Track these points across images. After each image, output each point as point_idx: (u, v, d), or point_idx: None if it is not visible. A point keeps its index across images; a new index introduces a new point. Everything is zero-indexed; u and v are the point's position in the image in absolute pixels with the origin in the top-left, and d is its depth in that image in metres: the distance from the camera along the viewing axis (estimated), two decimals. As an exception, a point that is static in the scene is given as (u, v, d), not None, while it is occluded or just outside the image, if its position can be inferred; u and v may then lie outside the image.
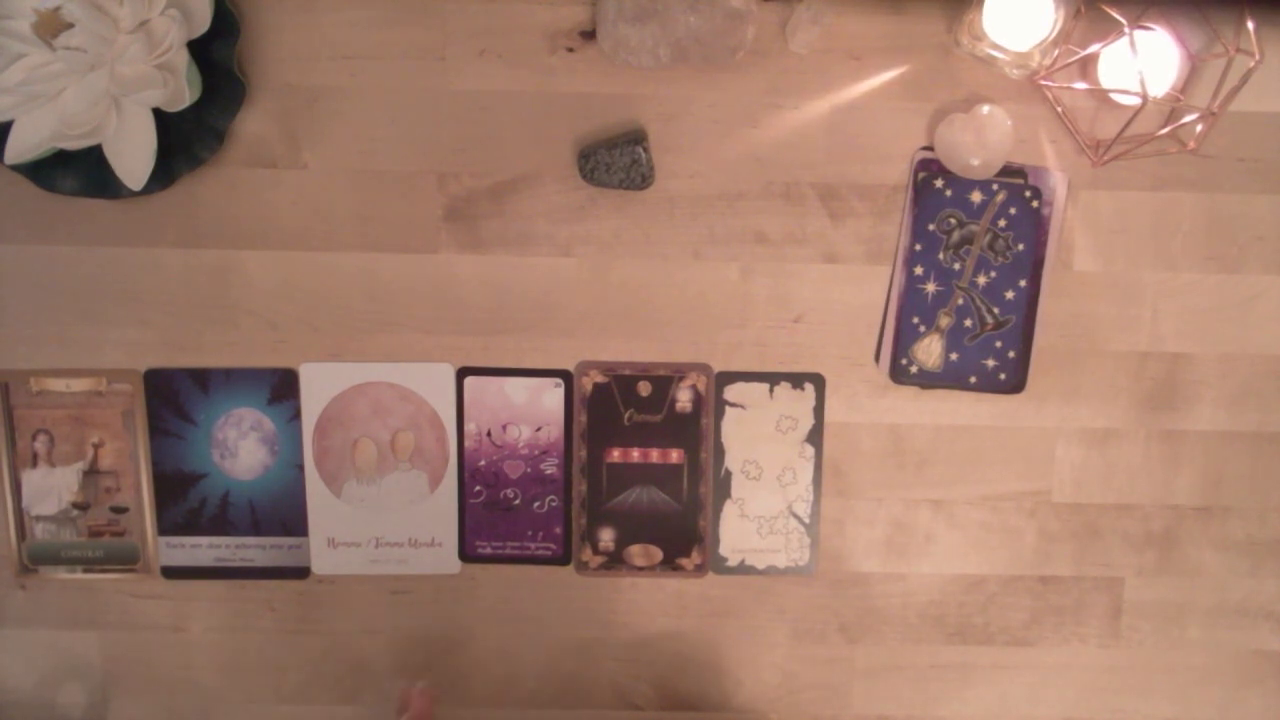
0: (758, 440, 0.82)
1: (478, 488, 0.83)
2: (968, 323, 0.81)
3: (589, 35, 0.77)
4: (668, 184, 0.80)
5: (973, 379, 0.82)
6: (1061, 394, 0.82)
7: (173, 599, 0.83)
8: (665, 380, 0.82)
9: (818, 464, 0.83)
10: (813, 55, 0.78)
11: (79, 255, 0.80)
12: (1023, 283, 0.81)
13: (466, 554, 0.83)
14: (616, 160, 0.77)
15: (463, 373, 0.81)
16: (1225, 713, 0.87)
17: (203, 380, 0.81)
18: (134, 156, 0.74)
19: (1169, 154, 0.79)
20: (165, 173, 0.76)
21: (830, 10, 0.76)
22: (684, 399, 0.82)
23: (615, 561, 0.84)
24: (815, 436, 0.83)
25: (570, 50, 0.78)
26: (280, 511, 0.83)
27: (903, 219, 0.80)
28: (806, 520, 0.83)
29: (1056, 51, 0.75)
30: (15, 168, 0.75)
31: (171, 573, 0.83)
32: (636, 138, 0.77)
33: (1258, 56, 0.74)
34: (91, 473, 0.82)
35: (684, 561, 0.84)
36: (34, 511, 0.82)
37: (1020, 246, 0.80)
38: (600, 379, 0.82)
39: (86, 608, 0.83)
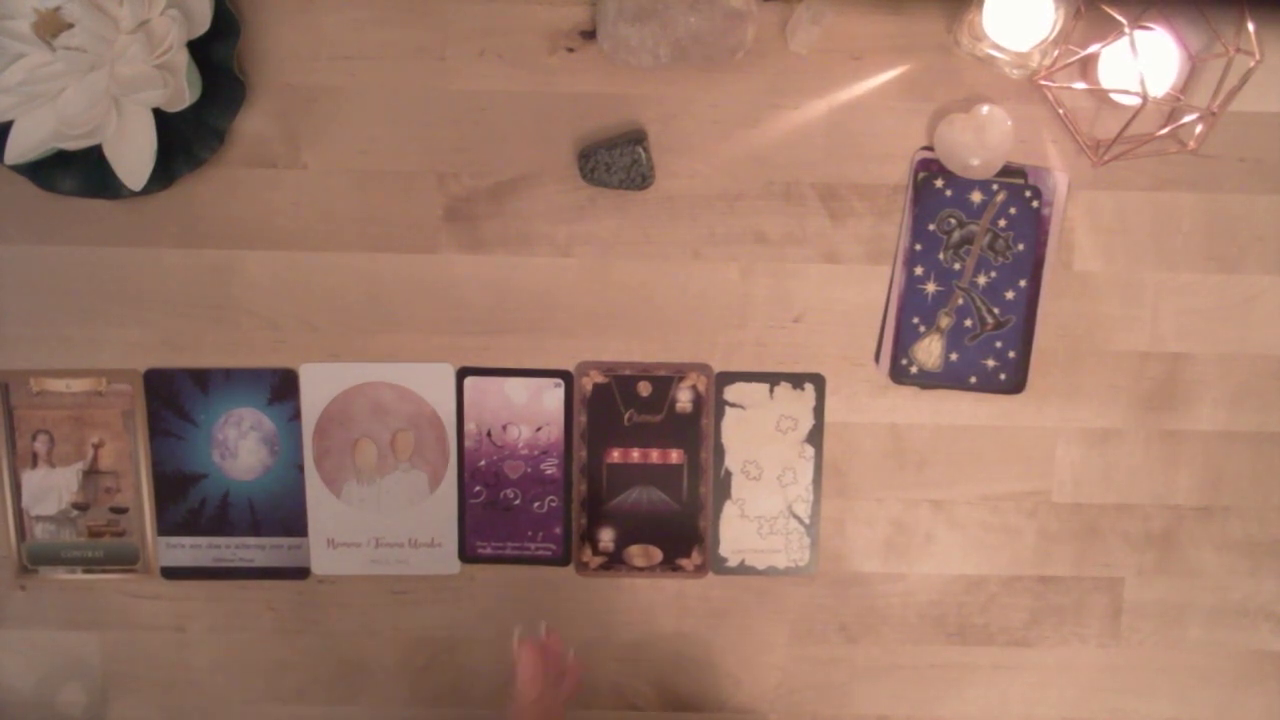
0: (758, 440, 0.82)
1: (478, 488, 0.83)
2: (968, 323, 0.81)
3: (589, 35, 0.77)
4: (668, 184, 0.80)
5: (973, 379, 0.82)
6: (1061, 394, 0.82)
7: (173, 599, 0.83)
8: (665, 380, 0.82)
9: (818, 464, 0.83)
10: (813, 55, 0.78)
11: (79, 255, 0.80)
12: (1023, 283, 0.81)
13: (466, 554, 0.83)
14: (616, 160, 0.77)
15: (463, 373, 0.81)
16: (1225, 713, 0.87)
17: (203, 380, 0.81)
18: (134, 156, 0.74)
19: (1169, 154, 0.79)
20: (165, 173, 0.76)
21: (830, 10, 0.76)
22: (684, 399, 0.82)
23: (615, 562, 0.84)
24: (815, 436, 0.83)
25: (570, 50, 0.78)
26: (280, 511, 0.83)
27: (903, 219, 0.80)
28: (806, 520, 0.83)
29: (1056, 51, 0.75)
30: (15, 168, 0.75)
31: (171, 573, 0.83)
32: (636, 138, 0.77)
33: (1258, 56, 0.74)
34: (91, 473, 0.82)
35: (684, 562, 0.84)
36: (34, 512, 0.82)
37: (1020, 246, 0.80)
38: (600, 379, 0.82)
39: (86, 608, 0.83)
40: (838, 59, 0.78)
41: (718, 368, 0.82)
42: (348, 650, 0.84)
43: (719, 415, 0.82)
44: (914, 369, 0.82)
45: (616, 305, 0.81)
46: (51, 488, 0.82)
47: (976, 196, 0.80)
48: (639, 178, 0.78)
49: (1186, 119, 0.76)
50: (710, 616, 0.84)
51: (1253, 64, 0.74)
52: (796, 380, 0.82)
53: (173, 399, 0.81)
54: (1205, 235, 0.81)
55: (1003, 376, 0.82)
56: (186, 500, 0.82)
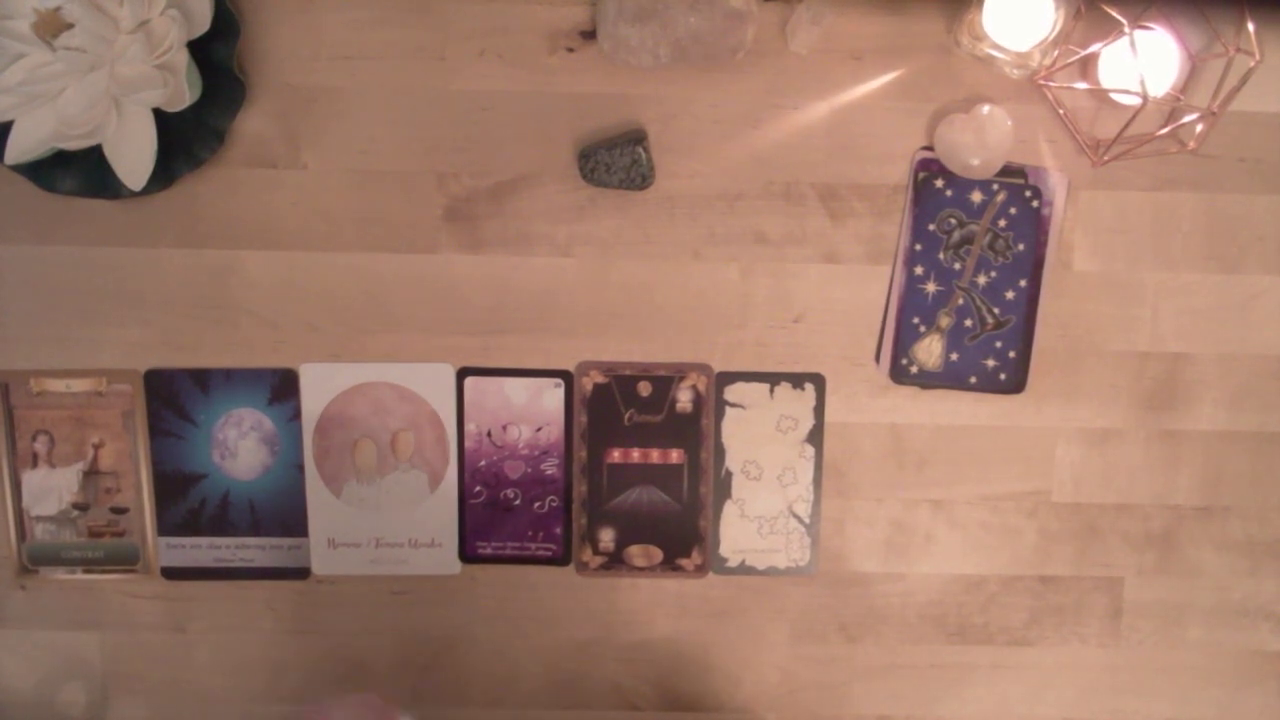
0: (758, 440, 0.82)
1: (478, 488, 0.83)
2: (968, 323, 0.81)
3: (589, 35, 0.77)
4: (668, 184, 0.80)
5: (973, 379, 0.82)
6: (1061, 394, 0.82)
7: (173, 599, 0.83)
8: (665, 380, 0.82)
9: (818, 464, 0.83)
10: (813, 55, 0.78)
11: (79, 255, 0.80)
12: (1023, 283, 0.81)
13: (466, 554, 0.83)
14: (616, 160, 0.77)
15: (463, 373, 0.81)
16: (1225, 713, 0.87)
17: (203, 380, 0.81)
18: (134, 156, 0.74)
19: (1169, 154, 0.79)
20: (165, 173, 0.76)
21: (830, 10, 0.76)
22: (684, 399, 0.82)
23: (615, 562, 0.84)
24: (815, 436, 0.83)
25: (570, 50, 0.78)
26: (280, 512, 0.83)
27: (903, 219, 0.80)
28: (807, 520, 0.83)
29: (1056, 51, 0.75)
30: (15, 168, 0.75)
31: (171, 573, 0.83)
32: (636, 138, 0.77)
33: (1258, 56, 0.74)
34: (91, 473, 0.82)
35: (684, 562, 0.84)
36: (34, 512, 0.82)
37: (1020, 246, 0.80)
38: (600, 379, 0.82)
39: (86, 608, 0.83)
40: (838, 59, 0.78)
41: (718, 368, 0.82)
42: (348, 650, 0.84)
43: (719, 415, 0.82)
44: (914, 369, 0.82)
45: (616, 305, 0.81)
46: (51, 488, 0.82)
47: (976, 196, 0.80)
48: (639, 178, 0.78)
49: (1186, 119, 0.76)
50: (710, 616, 0.84)
51: (1253, 64, 0.74)
52: (796, 380, 0.82)
53: (173, 399, 0.81)
54: (1205, 235, 0.81)
55: (1003, 376, 0.82)
56: (187, 500, 0.82)
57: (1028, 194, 0.80)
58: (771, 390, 0.82)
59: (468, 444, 0.82)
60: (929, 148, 0.79)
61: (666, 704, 0.85)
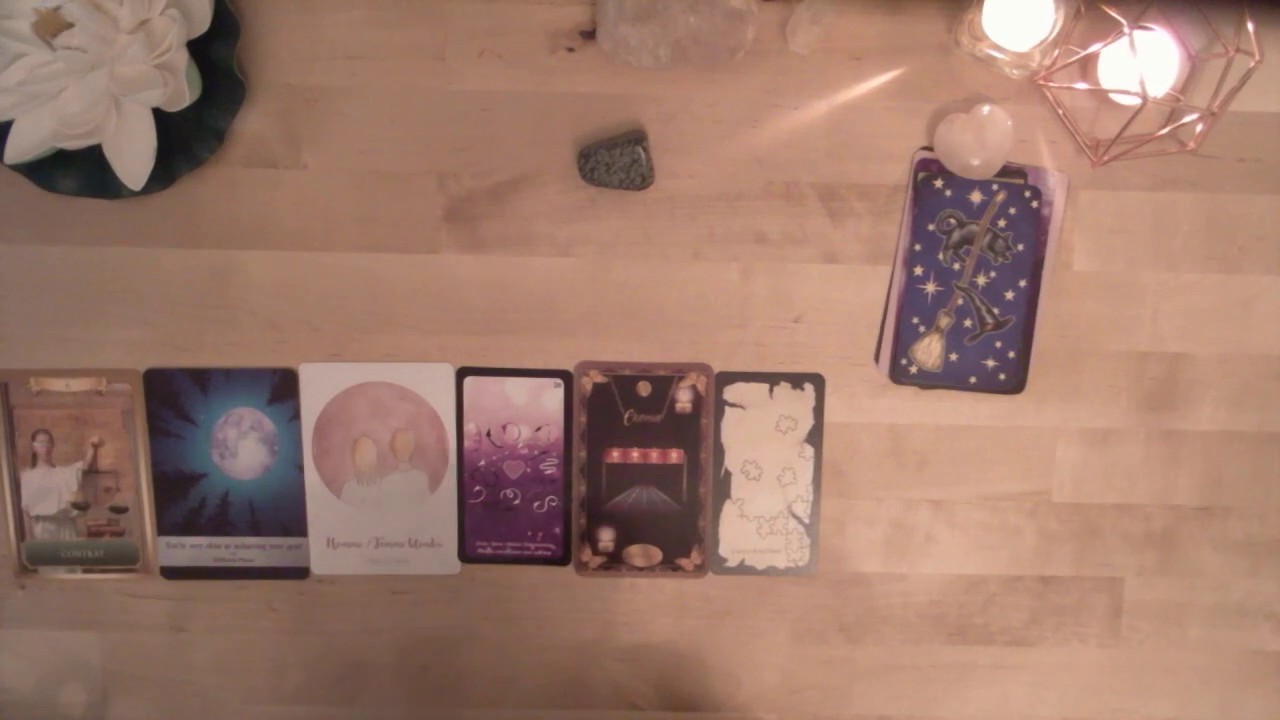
0: (757, 440, 0.82)
1: (477, 488, 0.83)
2: (967, 323, 0.81)
3: (589, 35, 0.77)
4: (668, 184, 0.80)
5: (972, 379, 0.82)
6: (1061, 394, 0.82)
7: (173, 599, 0.83)
8: (665, 380, 0.82)
9: (817, 464, 0.83)
10: (813, 55, 0.78)
11: (79, 255, 0.80)
12: (1022, 283, 0.81)
13: (466, 554, 0.83)
14: (616, 160, 0.77)
15: (463, 373, 0.81)
16: (1225, 713, 0.87)
17: (202, 380, 0.81)
18: (134, 156, 0.74)
19: (1169, 154, 0.79)
20: (165, 173, 0.76)
21: (830, 10, 0.76)
22: (684, 399, 0.82)
23: (615, 562, 0.84)
24: (815, 436, 0.83)
25: (570, 50, 0.78)
26: (280, 511, 0.83)
27: (903, 219, 0.80)
28: (806, 520, 0.83)
29: (1056, 51, 0.75)
30: (15, 168, 0.75)
31: (171, 573, 0.83)
32: (636, 138, 0.77)
33: (1258, 56, 0.74)
34: (91, 472, 0.82)
35: (684, 562, 0.84)
36: (34, 511, 0.82)
37: (1020, 246, 0.80)
38: (600, 379, 0.82)
39: (86, 608, 0.83)
40: (838, 59, 0.78)
41: (718, 368, 0.82)
42: (348, 650, 0.84)
43: (719, 415, 0.82)
44: (914, 369, 0.82)
45: (616, 305, 0.81)
46: (51, 487, 0.82)
47: (976, 196, 0.80)
48: (639, 178, 0.78)
49: (1186, 119, 0.76)
50: (710, 616, 0.84)
51: (1253, 64, 0.74)
52: (796, 380, 0.82)
53: (172, 399, 0.81)
54: (1205, 235, 0.81)
55: (1002, 376, 0.82)
56: (186, 500, 0.82)
57: (1027, 194, 0.80)
58: (771, 390, 0.82)
59: (467, 444, 0.82)
60: (929, 148, 0.79)
61: (666, 704, 0.85)
